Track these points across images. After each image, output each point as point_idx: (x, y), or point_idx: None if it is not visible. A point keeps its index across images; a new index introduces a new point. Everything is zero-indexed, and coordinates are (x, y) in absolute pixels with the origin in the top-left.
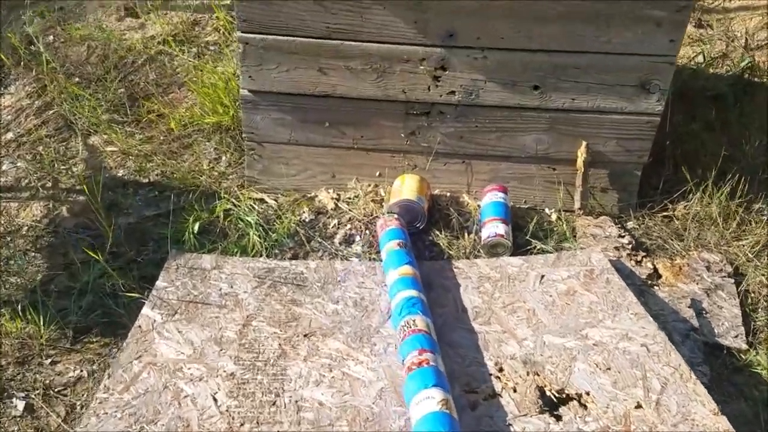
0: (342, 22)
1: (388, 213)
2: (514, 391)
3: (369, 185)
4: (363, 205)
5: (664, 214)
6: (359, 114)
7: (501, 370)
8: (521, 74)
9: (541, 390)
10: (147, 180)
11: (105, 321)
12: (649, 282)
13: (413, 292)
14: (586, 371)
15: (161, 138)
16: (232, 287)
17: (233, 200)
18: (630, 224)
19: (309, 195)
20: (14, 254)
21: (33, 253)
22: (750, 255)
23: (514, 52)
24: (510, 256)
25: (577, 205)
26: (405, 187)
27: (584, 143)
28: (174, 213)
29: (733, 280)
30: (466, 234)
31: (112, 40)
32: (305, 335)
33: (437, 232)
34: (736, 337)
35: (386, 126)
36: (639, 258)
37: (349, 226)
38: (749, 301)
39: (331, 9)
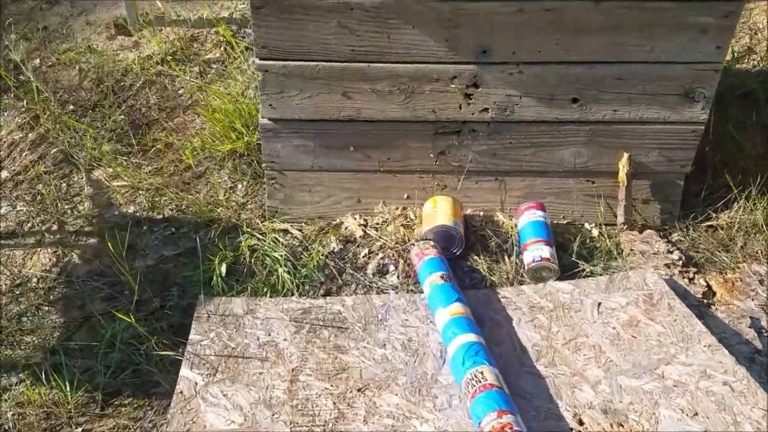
0: (368, 44)
1: (423, 240)
2: None
3: (397, 208)
4: (393, 231)
5: (708, 224)
6: (386, 136)
7: (581, 422)
8: (559, 87)
9: None
10: (161, 216)
11: (136, 381)
12: (705, 301)
13: (472, 337)
14: (672, 418)
15: (171, 168)
16: (269, 335)
17: (257, 234)
18: (675, 236)
19: (334, 222)
20: (26, 310)
21: (46, 307)
22: None
23: (552, 65)
24: (556, 279)
25: (620, 219)
26: (439, 211)
27: (626, 155)
28: (194, 252)
29: None
30: (506, 257)
31: (105, 62)
32: (359, 390)
33: (475, 257)
34: None
35: (414, 147)
36: (691, 275)
37: (381, 254)
38: None
39: (357, 31)
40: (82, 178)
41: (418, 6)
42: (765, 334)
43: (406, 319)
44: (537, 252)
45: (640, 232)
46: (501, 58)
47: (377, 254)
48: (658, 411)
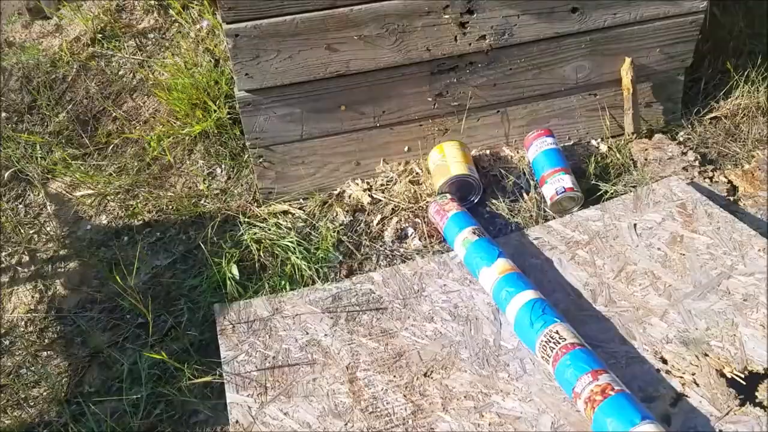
0: None
1: (440, 195)
2: (696, 384)
3: (399, 164)
4: (402, 190)
5: (712, 116)
6: (379, 88)
7: (664, 360)
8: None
9: (721, 374)
10: (140, 221)
11: (172, 414)
12: (732, 198)
13: (532, 294)
14: (756, 336)
15: (136, 164)
16: (307, 333)
17: (256, 222)
18: (682, 135)
19: (336, 192)
20: (23, 361)
21: (45, 353)
22: None
23: None
24: (579, 208)
25: (630, 129)
26: (449, 160)
27: (628, 60)
28: (190, 256)
29: None
30: (524, 195)
31: (29, 54)
32: (425, 374)
33: (494, 201)
34: None
35: (410, 93)
36: (710, 174)
37: (395, 219)
38: None
39: None
40: (39, 194)
41: None
42: None
43: (444, 284)
44: (558, 183)
45: (649, 138)
46: None
47: (391, 219)
48: (737, 331)
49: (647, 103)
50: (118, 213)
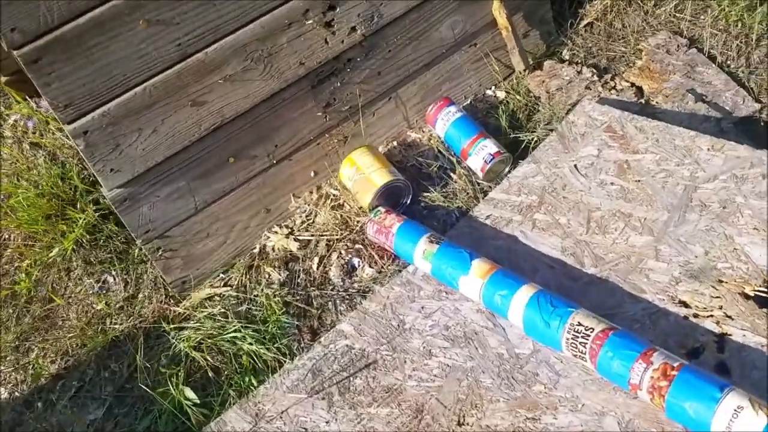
0: (194, 27)
1: (372, 212)
2: (729, 317)
3: (311, 193)
4: (328, 219)
5: (585, 23)
6: (263, 123)
7: (685, 304)
8: None
9: (745, 296)
10: (48, 377)
11: None
12: (642, 101)
13: (529, 289)
14: (754, 243)
15: (11, 312)
16: (305, 428)
17: (185, 324)
18: (566, 54)
19: (257, 250)
20: None
21: None
22: (678, 15)
23: None
24: (511, 167)
25: (520, 66)
26: (367, 170)
27: None
28: (125, 396)
29: (695, 49)
30: (452, 175)
31: None
32: (459, 423)
33: (425, 193)
34: (744, 102)
35: (298, 116)
36: (610, 83)
37: (334, 254)
38: (720, 60)
39: (174, 19)
40: None
41: None
42: (707, 99)
43: (422, 307)
44: (482, 151)
45: (540, 68)
46: None
47: (330, 256)
48: (736, 244)
49: (524, 34)
50: (16, 379)
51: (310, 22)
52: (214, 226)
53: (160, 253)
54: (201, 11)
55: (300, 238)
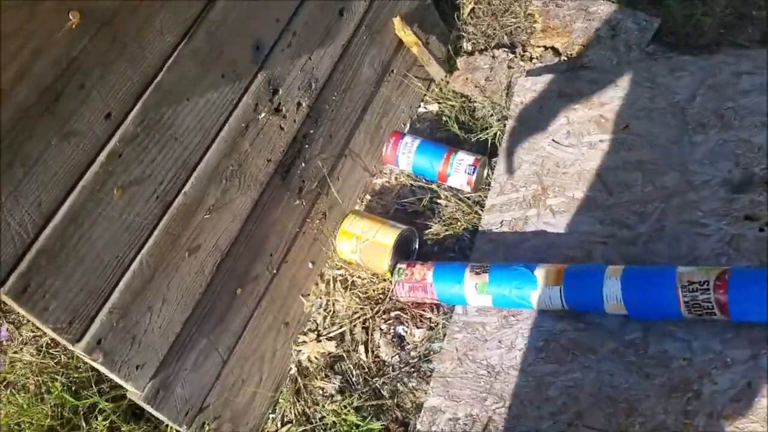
0: (165, 172)
1: (396, 272)
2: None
3: (317, 285)
4: (349, 303)
5: (467, 10)
6: (254, 240)
7: (751, 218)
8: (322, 16)
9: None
10: None
11: None
12: (565, 58)
13: (614, 272)
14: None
15: None
16: None
17: None
18: (468, 46)
19: (291, 371)
20: None
21: None
22: None
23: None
24: (490, 170)
25: (441, 74)
26: (370, 235)
27: (395, 19)
28: None
29: None
30: (440, 202)
31: None
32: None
33: (426, 232)
34: (647, 22)
35: (279, 215)
36: (526, 54)
37: (376, 335)
38: None
39: (145, 173)
40: None
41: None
42: (621, 30)
43: (499, 341)
44: (460, 166)
45: (457, 68)
46: (274, 39)
47: (372, 338)
48: (753, 143)
49: (425, 43)
50: None
51: (263, 115)
52: (245, 369)
53: (206, 429)
54: (167, 151)
55: (331, 335)
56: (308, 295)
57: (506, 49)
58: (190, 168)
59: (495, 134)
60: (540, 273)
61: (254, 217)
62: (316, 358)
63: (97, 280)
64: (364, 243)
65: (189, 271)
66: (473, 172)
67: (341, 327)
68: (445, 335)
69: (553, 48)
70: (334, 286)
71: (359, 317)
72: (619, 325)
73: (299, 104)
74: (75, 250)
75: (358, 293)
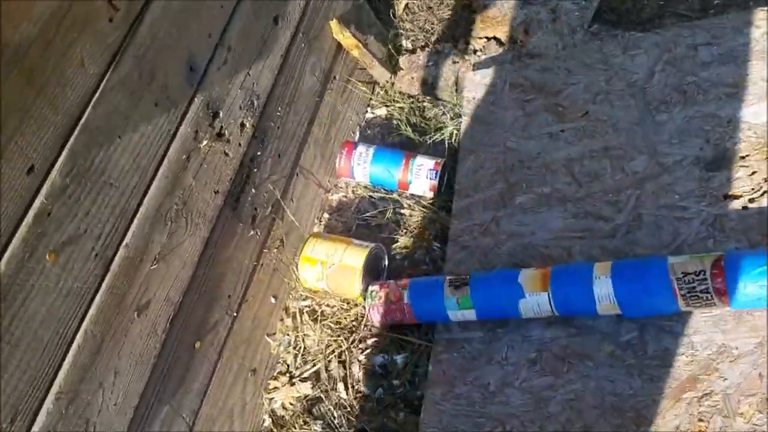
0: (102, 224)
1: (369, 295)
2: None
3: (283, 321)
4: (320, 337)
5: (401, 6)
6: (209, 283)
7: (732, 197)
8: (256, 26)
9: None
10: None
11: None
12: (514, 46)
13: (602, 270)
14: (733, 107)
15: None
16: None
17: None
18: (408, 44)
19: (267, 421)
20: None
21: None
22: None
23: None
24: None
25: (386, 75)
26: (336, 258)
27: (332, 23)
28: None
29: None
30: (404, 212)
31: None
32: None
33: (393, 246)
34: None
35: (233, 251)
36: (472, 47)
37: (354, 368)
38: None
39: (80, 230)
40: None
41: None
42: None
43: (490, 359)
44: (421, 171)
45: (400, 67)
46: (205, 59)
47: (350, 371)
48: (721, 117)
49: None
50: None
51: (205, 143)
52: (215, 431)
53: None
54: (102, 200)
55: (305, 375)
56: (274, 333)
57: (448, 44)
58: (130, 215)
59: (451, 134)
60: (524, 280)
61: (206, 259)
62: (291, 404)
63: (37, 364)
64: (331, 268)
65: (140, 333)
66: (435, 177)
67: (315, 364)
68: (429, 360)
69: (495, 38)
70: (301, 319)
71: (333, 351)
72: (612, 326)
73: (243, 125)
74: (8, 335)
75: (329, 324)
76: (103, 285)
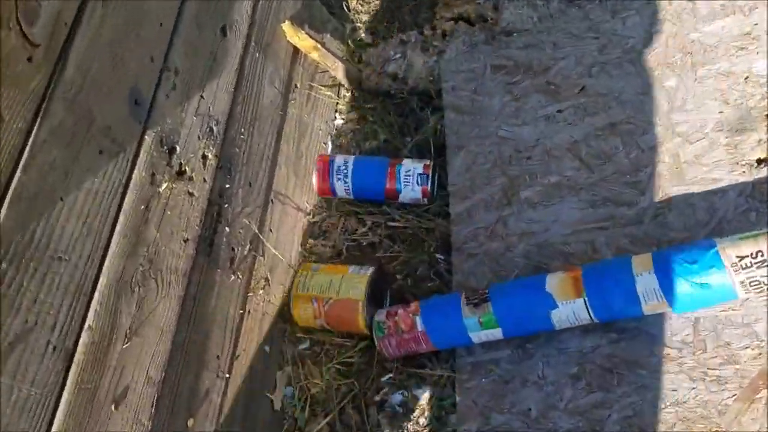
0: (56, 311)
1: (377, 328)
2: None
3: (281, 370)
4: (326, 380)
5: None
6: (193, 346)
7: (764, 161)
8: (202, 40)
9: None
10: None
11: None
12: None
13: (643, 263)
14: (748, 63)
15: None
16: None
17: None
18: (367, 37)
19: None
20: None
21: None
22: None
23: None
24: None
25: (350, 76)
26: (334, 292)
27: (284, 25)
28: None
29: None
30: (396, 225)
31: None
32: None
33: (391, 265)
34: None
35: (215, 302)
36: (440, 32)
37: (373, 410)
38: None
39: (28, 324)
40: None
41: None
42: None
43: (524, 380)
44: (410, 177)
45: (365, 61)
46: (150, 88)
47: (367, 415)
48: (736, 75)
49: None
50: None
51: (164, 186)
52: None
53: None
54: (52, 280)
55: (318, 430)
56: (274, 388)
57: (412, 31)
58: (88, 290)
59: (435, 130)
60: (554, 287)
61: (186, 320)
62: None
63: None
64: (328, 304)
65: (122, 427)
66: (427, 181)
67: (326, 415)
68: (455, 391)
69: (462, 18)
70: (303, 365)
71: (345, 396)
72: (659, 326)
73: (204, 157)
74: None
75: (336, 366)
76: (68, 383)
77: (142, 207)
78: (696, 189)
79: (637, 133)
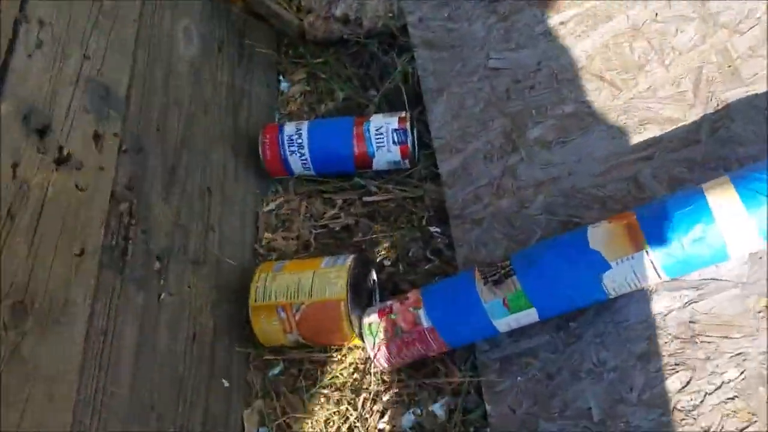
0: None
1: (368, 332)
2: None
3: (253, 403)
4: (311, 408)
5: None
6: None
7: None
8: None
9: None
10: None
11: None
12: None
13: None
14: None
15: None
16: None
17: None
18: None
19: None
20: None
21: None
22: None
23: None
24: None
25: (292, 24)
26: (306, 295)
27: None
28: None
29: None
30: (375, 199)
31: None
32: None
33: (376, 250)
34: None
35: (138, 333)
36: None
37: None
38: None
39: None
40: None
41: None
42: None
43: (573, 371)
44: (384, 137)
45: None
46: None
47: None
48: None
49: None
50: None
51: (36, 179)
52: None
53: None
54: None
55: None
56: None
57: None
58: None
59: (405, 75)
60: (600, 242)
61: (93, 365)
62: None
63: None
64: (300, 311)
65: None
66: (405, 137)
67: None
68: (484, 397)
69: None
70: (277, 397)
71: (339, 426)
72: (749, 271)
73: (98, 136)
74: None
75: (322, 390)
76: None
77: (3, 213)
78: (759, 88)
79: (669, 33)
